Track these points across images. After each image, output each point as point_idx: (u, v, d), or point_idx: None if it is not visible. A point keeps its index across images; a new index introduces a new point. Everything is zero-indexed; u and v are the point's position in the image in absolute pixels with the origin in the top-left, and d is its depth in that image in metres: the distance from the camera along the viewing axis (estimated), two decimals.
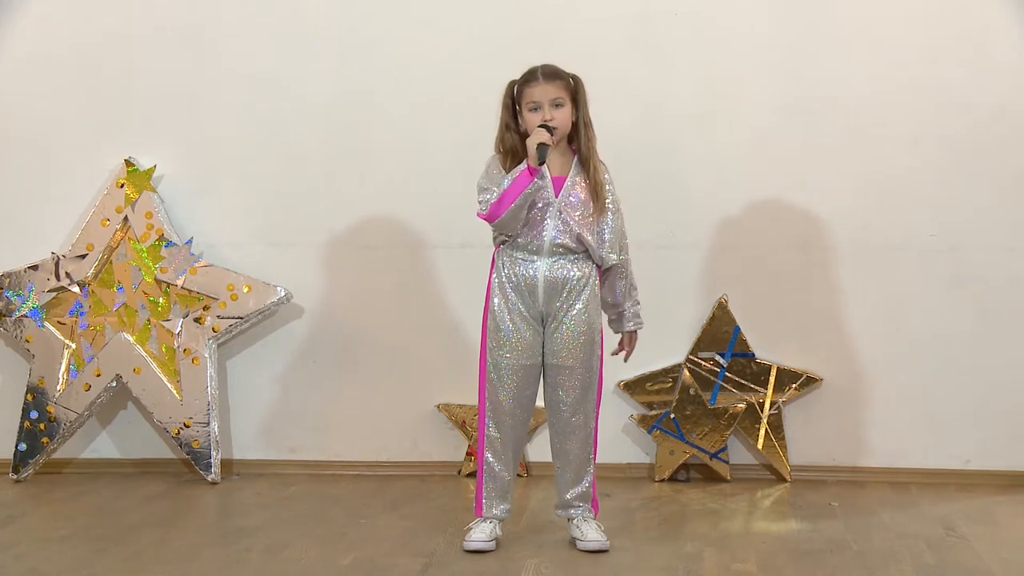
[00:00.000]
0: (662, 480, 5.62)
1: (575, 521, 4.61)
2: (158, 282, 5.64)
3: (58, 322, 5.65)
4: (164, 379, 5.62)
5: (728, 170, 5.60)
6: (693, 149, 5.61)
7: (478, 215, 4.50)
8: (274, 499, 5.33)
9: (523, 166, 4.40)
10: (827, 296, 5.61)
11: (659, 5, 5.58)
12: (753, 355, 5.61)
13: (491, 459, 4.59)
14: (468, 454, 5.68)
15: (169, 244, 5.63)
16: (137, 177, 5.64)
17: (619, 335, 4.69)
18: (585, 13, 5.60)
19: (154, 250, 5.63)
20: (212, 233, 5.71)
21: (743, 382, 5.61)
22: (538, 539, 4.68)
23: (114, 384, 5.63)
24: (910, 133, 5.56)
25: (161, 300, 5.64)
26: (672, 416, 5.60)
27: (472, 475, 5.54)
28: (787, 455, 5.62)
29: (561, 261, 4.50)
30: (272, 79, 5.68)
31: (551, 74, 4.47)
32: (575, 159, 4.54)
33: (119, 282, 5.65)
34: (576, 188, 4.49)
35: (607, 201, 4.52)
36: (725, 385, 5.61)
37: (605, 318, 4.64)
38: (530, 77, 4.48)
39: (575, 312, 4.51)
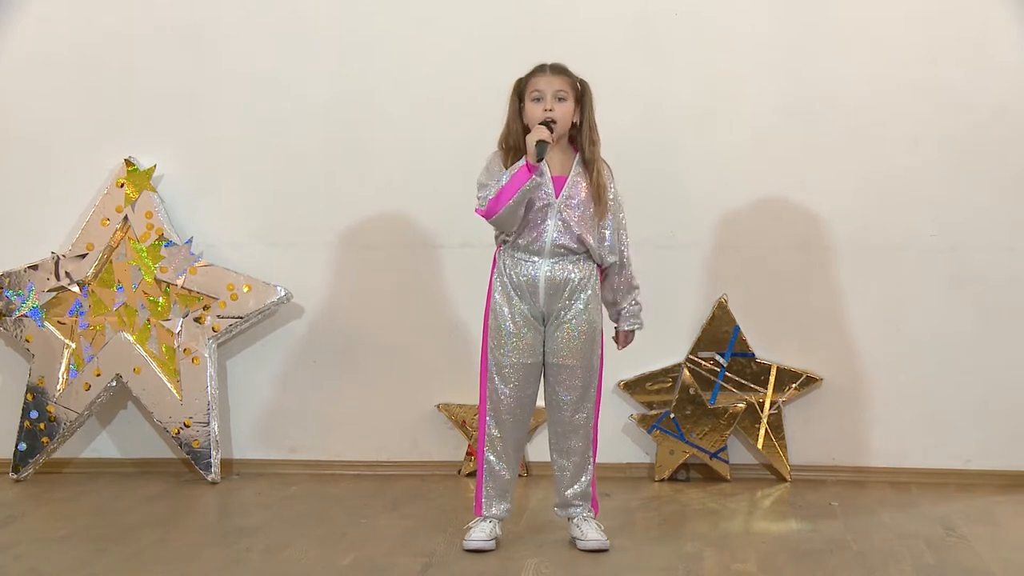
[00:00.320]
0: (662, 480, 5.62)
1: (575, 521, 4.60)
2: (158, 282, 5.64)
3: (58, 322, 5.65)
4: (164, 379, 5.62)
5: (728, 170, 5.60)
6: (693, 149, 5.61)
7: (476, 211, 4.49)
8: (274, 499, 5.33)
9: (522, 163, 4.40)
10: (827, 296, 5.61)
11: (659, 5, 5.58)
12: (753, 355, 5.61)
13: (491, 458, 4.59)
14: (468, 454, 5.68)
15: (169, 244, 5.63)
16: (137, 177, 5.64)
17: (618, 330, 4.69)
18: (585, 13, 5.60)
19: (154, 250, 5.63)
20: (212, 233, 5.71)
21: (743, 382, 5.61)
22: (538, 539, 4.68)
23: (114, 384, 5.63)
24: (910, 133, 5.56)
25: (161, 300, 5.64)
26: (672, 416, 5.60)
27: (472, 475, 5.54)
28: (787, 455, 5.62)
29: (562, 262, 4.50)
30: (272, 79, 5.68)
31: (559, 69, 4.52)
32: (576, 158, 4.54)
33: (119, 282, 5.65)
34: (577, 188, 4.50)
35: (609, 202, 4.52)
36: (725, 385, 5.61)
37: (606, 317, 4.64)
38: (538, 70, 4.52)
39: (576, 311, 4.51)
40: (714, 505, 5.23)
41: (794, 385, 5.59)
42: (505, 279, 4.52)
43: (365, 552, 4.51)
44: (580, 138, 4.54)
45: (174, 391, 5.61)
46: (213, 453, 5.58)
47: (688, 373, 5.60)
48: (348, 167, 5.69)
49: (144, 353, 5.63)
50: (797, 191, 5.60)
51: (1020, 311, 5.56)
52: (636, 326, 4.67)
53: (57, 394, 5.62)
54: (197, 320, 5.61)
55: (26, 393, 5.65)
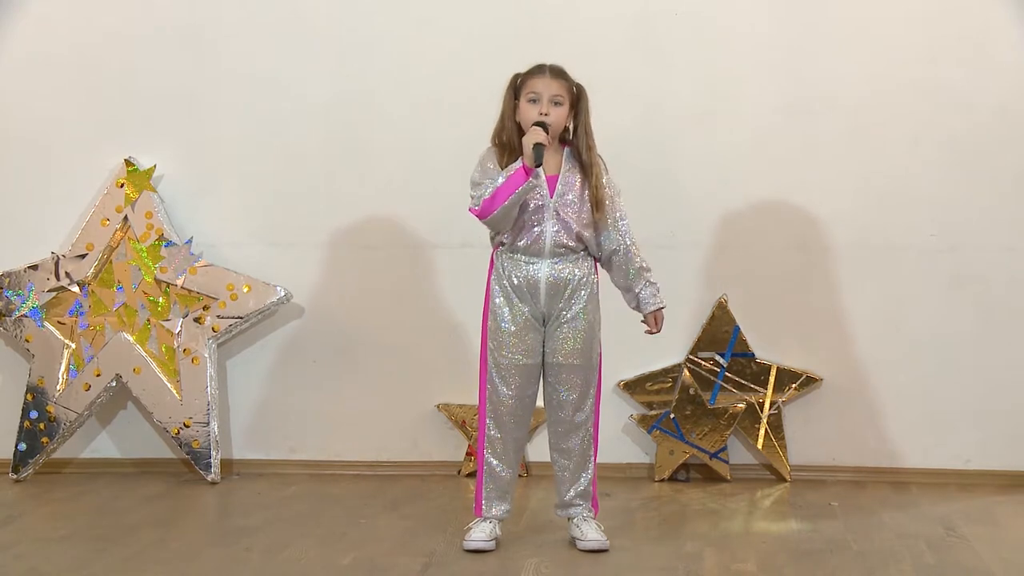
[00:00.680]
0: (662, 480, 5.62)
1: (575, 521, 4.60)
2: (158, 282, 5.64)
3: (58, 322, 5.65)
4: (164, 379, 5.62)
5: (728, 170, 5.60)
6: (693, 149, 5.61)
7: (470, 210, 4.48)
8: (274, 499, 5.33)
9: (518, 164, 4.40)
10: (827, 296, 5.61)
11: (659, 5, 5.58)
12: (753, 355, 5.61)
13: (491, 459, 4.59)
14: (468, 454, 5.68)
15: (169, 244, 5.63)
16: (137, 177, 5.64)
17: (642, 318, 4.61)
18: (585, 13, 5.60)
19: (154, 250, 5.63)
20: (212, 233, 5.71)
21: (743, 382, 5.61)
22: (538, 539, 4.68)
23: (114, 384, 5.63)
24: (910, 133, 5.56)
25: (161, 300, 5.64)
26: (672, 416, 5.60)
27: (472, 475, 5.54)
28: (787, 455, 5.62)
29: (562, 262, 4.49)
30: (272, 79, 5.68)
31: (557, 72, 4.50)
32: (565, 153, 4.53)
33: (119, 282, 5.65)
34: (570, 185, 4.49)
35: (605, 195, 4.50)
36: (725, 385, 5.61)
37: (604, 317, 4.63)
38: (536, 70, 4.50)
39: (576, 311, 4.51)
40: (714, 505, 5.23)
41: (794, 385, 5.59)
42: (504, 281, 4.52)
43: (365, 552, 4.51)
44: (577, 143, 4.53)
45: (174, 391, 5.61)
46: (213, 453, 5.58)
47: (688, 373, 5.60)
48: (348, 167, 5.69)
49: (144, 353, 5.63)
50: (797, 191, 5.60)
51: (1020, 311, 5.56)
52: (659, 305, 4.58)
53: (57, 394, 5.62)
54: (197, 320, 5.61)
55: (26, 393, 5.65)
